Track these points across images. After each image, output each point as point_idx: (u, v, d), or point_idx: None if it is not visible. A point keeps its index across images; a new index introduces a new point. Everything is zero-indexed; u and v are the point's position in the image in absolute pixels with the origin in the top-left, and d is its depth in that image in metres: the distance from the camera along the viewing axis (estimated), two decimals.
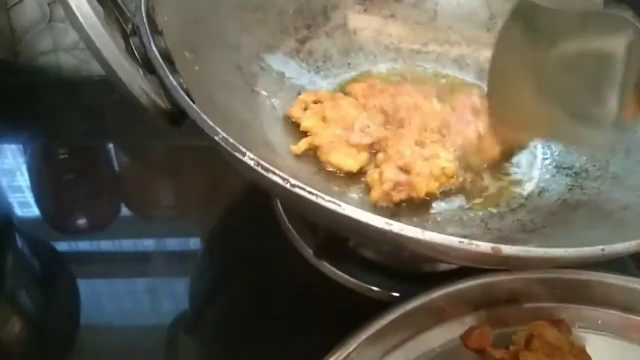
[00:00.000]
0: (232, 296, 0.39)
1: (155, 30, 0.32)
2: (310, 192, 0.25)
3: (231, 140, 0.27)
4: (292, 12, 0.44)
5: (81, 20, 0.27)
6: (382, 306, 0.31)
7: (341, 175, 0.38)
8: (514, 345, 0.31)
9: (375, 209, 0.36)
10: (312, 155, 0.38)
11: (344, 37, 0.46)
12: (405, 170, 0.36)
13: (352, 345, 0.29)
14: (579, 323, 0.32)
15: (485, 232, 0.36)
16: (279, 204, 0.41)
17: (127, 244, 0.42)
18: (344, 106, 0.39)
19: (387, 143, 0.38)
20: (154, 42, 0.30)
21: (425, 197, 0.37)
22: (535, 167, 0.40)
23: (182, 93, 0.29)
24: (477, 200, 0.38)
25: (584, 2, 0.37)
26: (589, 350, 0.31)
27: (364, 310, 0.31)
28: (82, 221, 0.44)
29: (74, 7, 0.27)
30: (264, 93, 0.41)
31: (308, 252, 0.38)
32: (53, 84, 0.55)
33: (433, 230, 0.24)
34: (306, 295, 0.38)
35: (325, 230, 0.37)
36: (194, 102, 0.29)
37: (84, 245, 0.42)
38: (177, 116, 0.31)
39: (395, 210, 0.36)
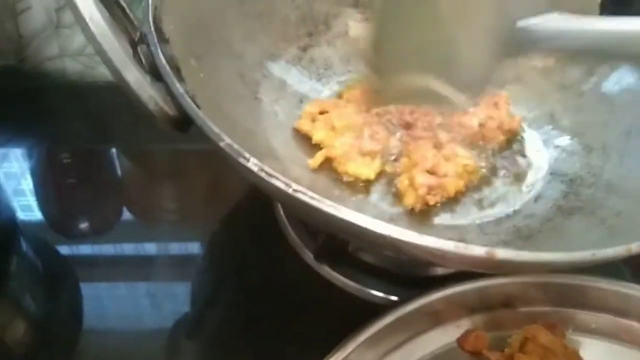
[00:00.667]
0: (233, 300, 0.39)
1: (162, 39, 0.32)
2: (312, 197, 0.26)
3: (236, 146, 0.27)
4: (295, 20, 0.45)
5: (93, 29, 0.28)
6: (380, 309, 0.31)
7: (360, 182, 0.38)
8: (509, 348, 0.31)
9: (411, 215, 0.37)
10: (327, 167, 0.39)
11: (345, 45, 0.46)
12: (432, 173, 0.37)
13: (350, 347, 0.29)
14: (573, 327, 0.33)
15: (482, 237, 0.36)
16: (280, 209, 0.41)
17: (129, 248, 0.42)
18: (351, 114, 0.40)
19: (407, 148, 0.39)
20: (161, 50, 0.31)
21: (456, 196, 0.38)
22: (531, 173, 0.40)
23: (189, 100, 0.29)
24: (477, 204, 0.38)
25: (583, 2, 0.37)
26: (582, 353, 0.31)
27: (363, 313, 0.31)
28: (85, 225, 0.44)
29: (86, 17, 0.28)
30: (267, 100, 0.41)
31: (309, 257, 0.39)
32: (58, 89, 0.55)
33: (430, 235, 0.25)
34: (306, 299, 0.38)
35: (326, 234, 0.37)
36: (200, 108, 0.29)
37: (86, 248, 0.42)
38: (184, 122, 0.31)
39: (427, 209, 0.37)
